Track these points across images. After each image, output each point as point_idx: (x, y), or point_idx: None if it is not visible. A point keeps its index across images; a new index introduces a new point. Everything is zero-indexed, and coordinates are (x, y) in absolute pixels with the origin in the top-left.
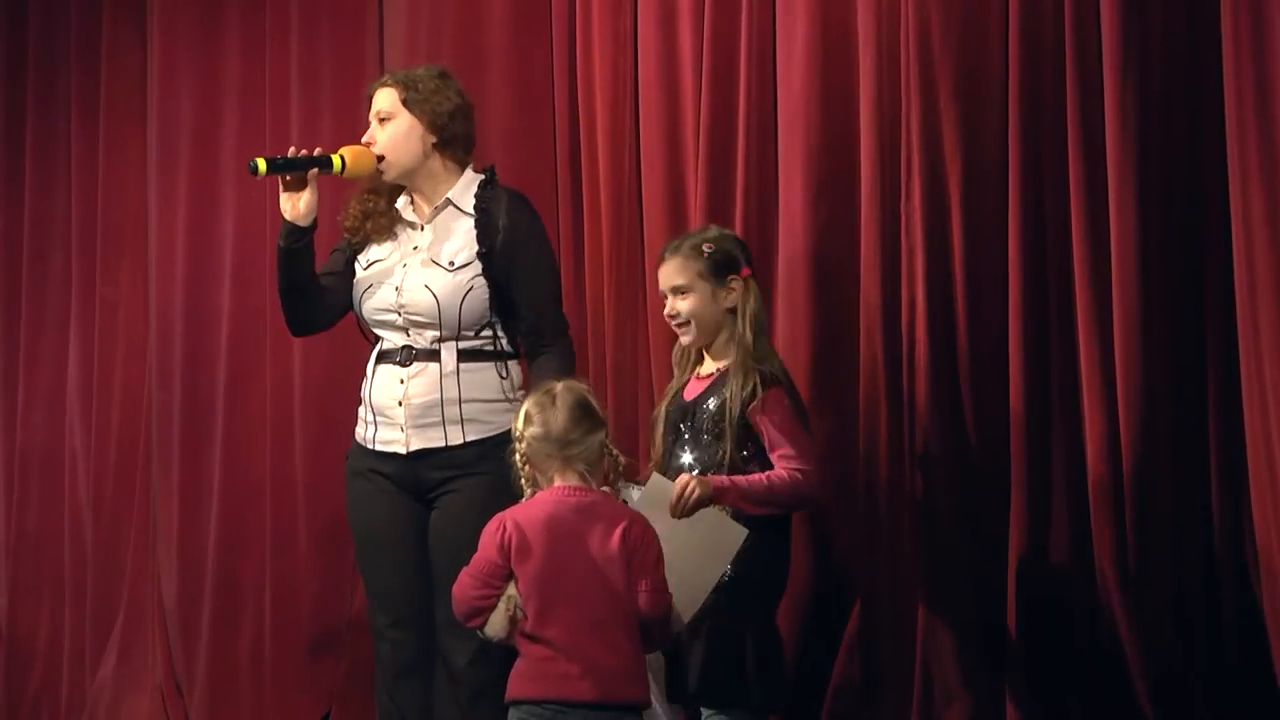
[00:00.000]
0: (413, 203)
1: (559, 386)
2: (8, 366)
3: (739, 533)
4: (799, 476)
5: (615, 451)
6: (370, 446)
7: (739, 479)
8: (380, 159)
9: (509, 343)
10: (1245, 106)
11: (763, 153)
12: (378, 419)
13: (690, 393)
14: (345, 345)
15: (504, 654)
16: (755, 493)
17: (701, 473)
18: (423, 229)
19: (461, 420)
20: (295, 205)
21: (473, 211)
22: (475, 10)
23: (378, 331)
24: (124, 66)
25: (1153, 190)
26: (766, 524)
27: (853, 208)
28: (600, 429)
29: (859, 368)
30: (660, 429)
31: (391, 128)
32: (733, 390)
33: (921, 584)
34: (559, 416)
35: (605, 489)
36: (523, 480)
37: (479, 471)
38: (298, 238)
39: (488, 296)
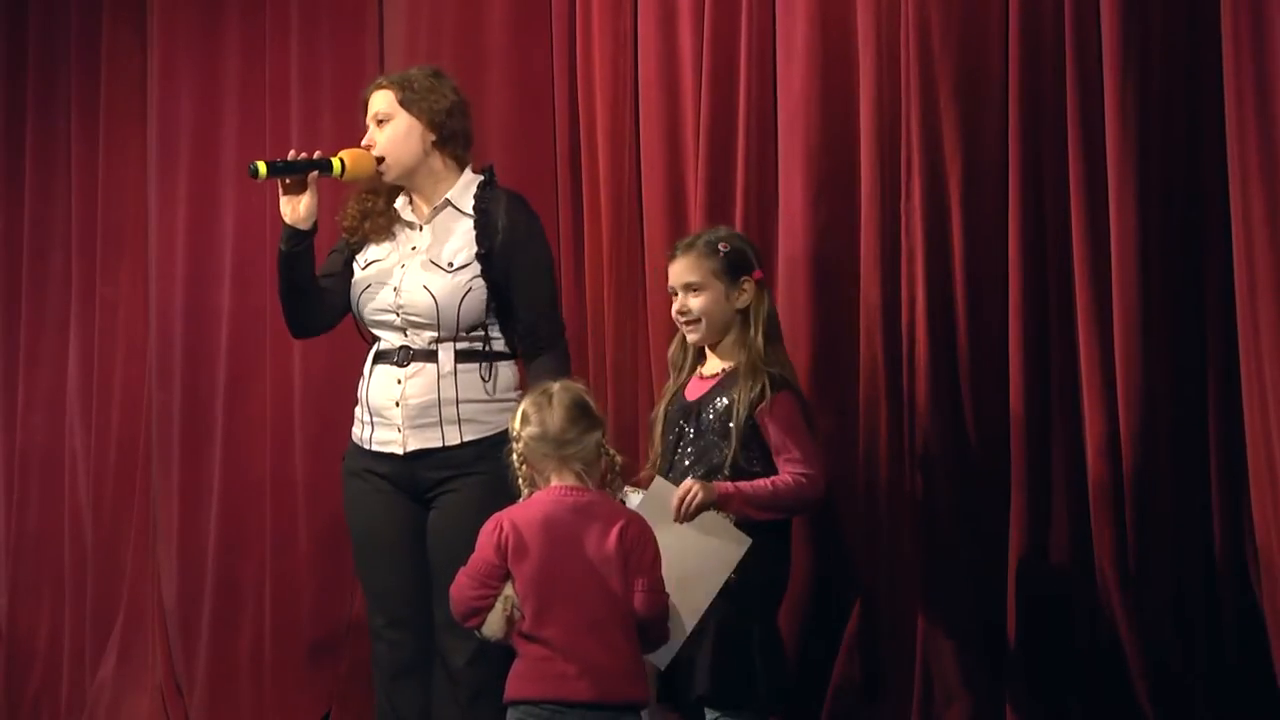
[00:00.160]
0: (411, 203)
1: (555, 386)
2: (8, 366)
3: (742, 541)
4: (803, 481)
5: (612, 451)
6: (367, 447)
7: (743, 485)
8: (380, 160)
9: (502, 344)
10: (1245, 106)
11: (762, 153)
12: (374, 419)
13: (693, 392)
14: (345, 345)
15: (503, 654)
16: (760, 498)
17: (705, 474)
18: (421, 229)
19: (459, 420)
20: (295, 209)
21: (472, 212)
22: (475, 10)
23: (375, 332)
24: (124, 67)
25: (1153, 190)
26: (768, 527)
27: (853, 208)
28: (597, 429)
29: (859, 368)
30: (660, 428)
31: (390, 129)
32: (741, 392)
33: (921, 584)
34: (555, 416)
35: (606, 490)
36: (520, 480)
37: (476, 471)
38: (298, 241)
39: (486, 297)
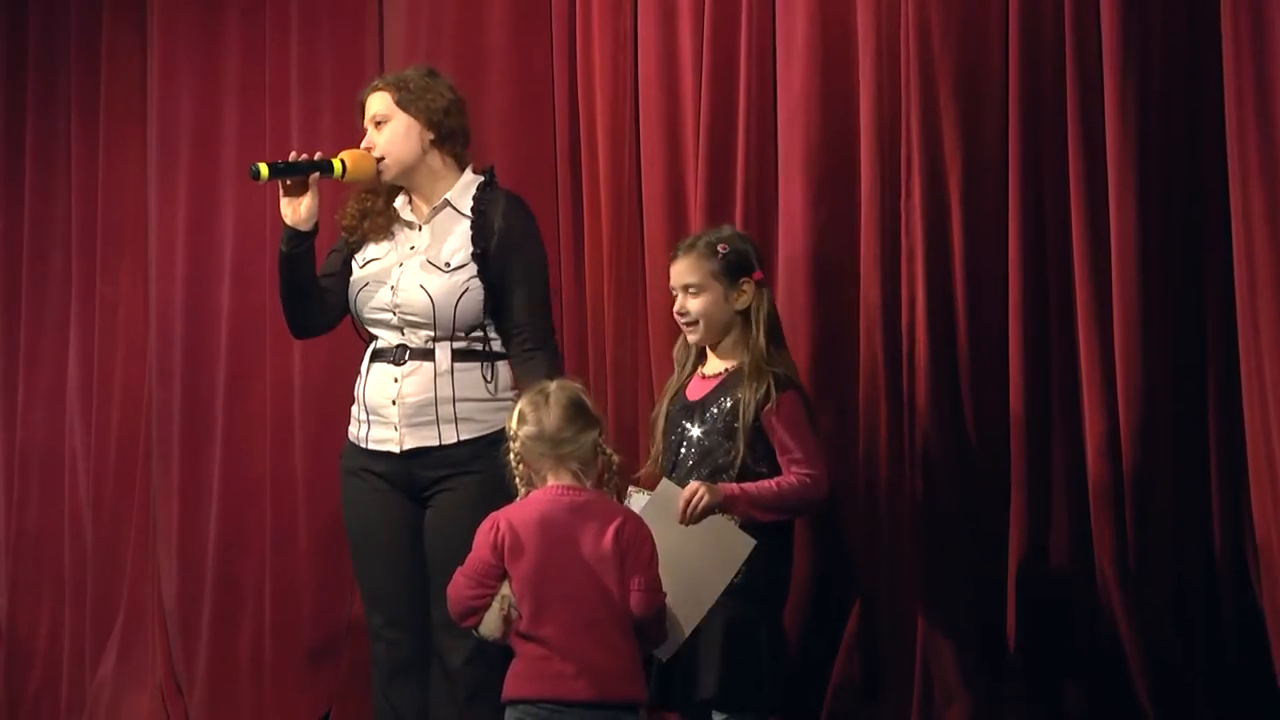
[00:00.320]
0: (411, 203)
1: (552, 385)
2: (8, 365)
3: (747, 543)
4: (807, 481)
5: (609, 450)
6: (364, 445)
7: (748, 486)
8: (380, 160)
9: (499, 344)
10: (1245, 106)
11: (762, 151)
12: (371, 418)
13: (694, 392)
14: (345, 345)
15: (500, 653)
16: (765, 500)
17: (709, 474)
18: (420, 229)
19: (455, 419)
20: (296, 210)
21: (470, 213)
22: (475, 10)
23: (372, 330)
24: (124, 67)
25: (1153, 189)
26: (772, 527)
27: (853, 206)
28: (594, 428)
29: (859, 367)
30: (661, 427)
31: (389, 129)
32: (746, 394)
33: (921, 583)
34: (552, 415)
35: (607, 491)
36: (517, 479)
37: (473, 470)
38: (299, 242)
39: (483, 298)
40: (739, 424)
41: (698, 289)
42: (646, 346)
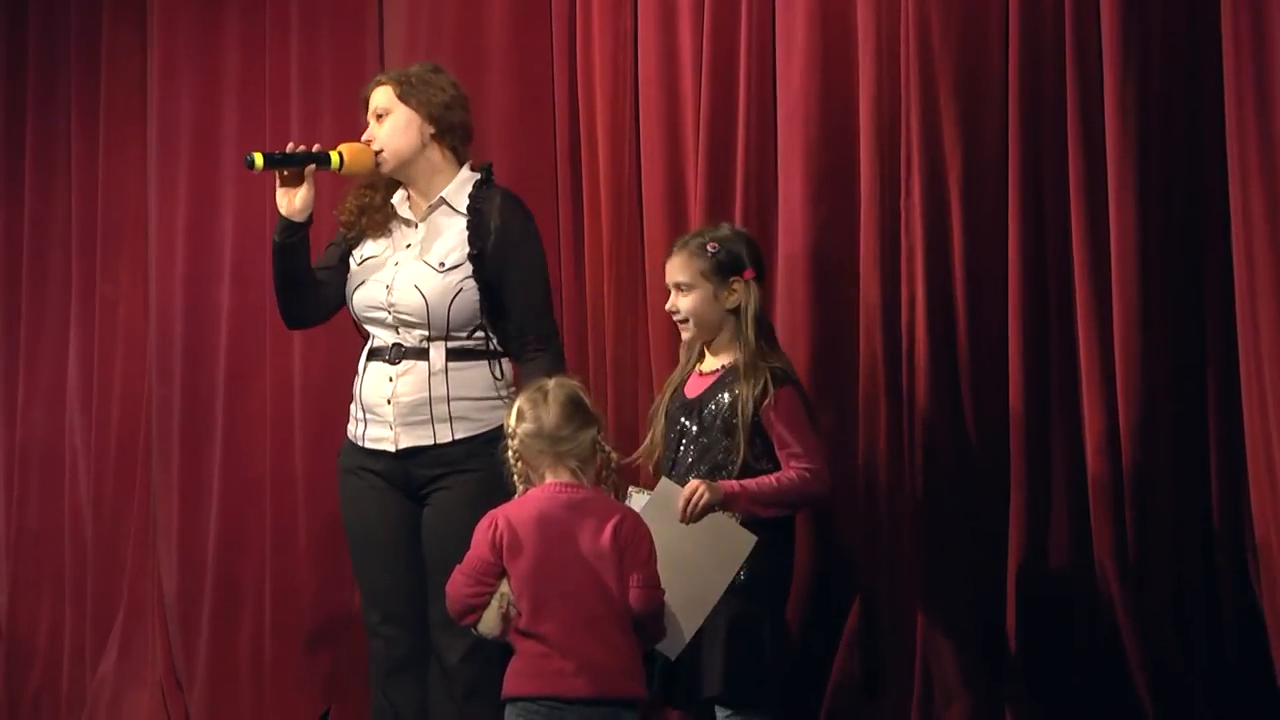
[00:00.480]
0: (409, 199)
1: (551, 383)
2: (8, 364)
3: (748, 540)
4: (807, 476)
5: (608, 448)
6: (361, 444)
7: (748, 483)
8: (379, 152)
9: (495, 342)
10: (1245, 106)
11: (762, 149)
12: (368, 416)
13: (692, 390)
14: (344, 343)
15: (498, 651)
16: (765, 496)
17: (709, 471)
18: (417, 226)
19: (450, 418)
20: (291, 201)
21: (466, 212)
22: (475, 9)
23: (368, 328)
24: (124, 66)
25: (1153, 189)
26: (774, 522)
27: (852, 204)
28: (592, 426)
29: (859, 365)
30: (661, 423)
31: (390, 121)
32: (744, 391)
33: (921, 582)
34: (551, 413)
35: (605, 489)
36: (515, 477)
37: (468, 469)
38: (292, 233)
39: (478, 298)
40: (737, 420)
41: (688, 287)
42: (646, 345)
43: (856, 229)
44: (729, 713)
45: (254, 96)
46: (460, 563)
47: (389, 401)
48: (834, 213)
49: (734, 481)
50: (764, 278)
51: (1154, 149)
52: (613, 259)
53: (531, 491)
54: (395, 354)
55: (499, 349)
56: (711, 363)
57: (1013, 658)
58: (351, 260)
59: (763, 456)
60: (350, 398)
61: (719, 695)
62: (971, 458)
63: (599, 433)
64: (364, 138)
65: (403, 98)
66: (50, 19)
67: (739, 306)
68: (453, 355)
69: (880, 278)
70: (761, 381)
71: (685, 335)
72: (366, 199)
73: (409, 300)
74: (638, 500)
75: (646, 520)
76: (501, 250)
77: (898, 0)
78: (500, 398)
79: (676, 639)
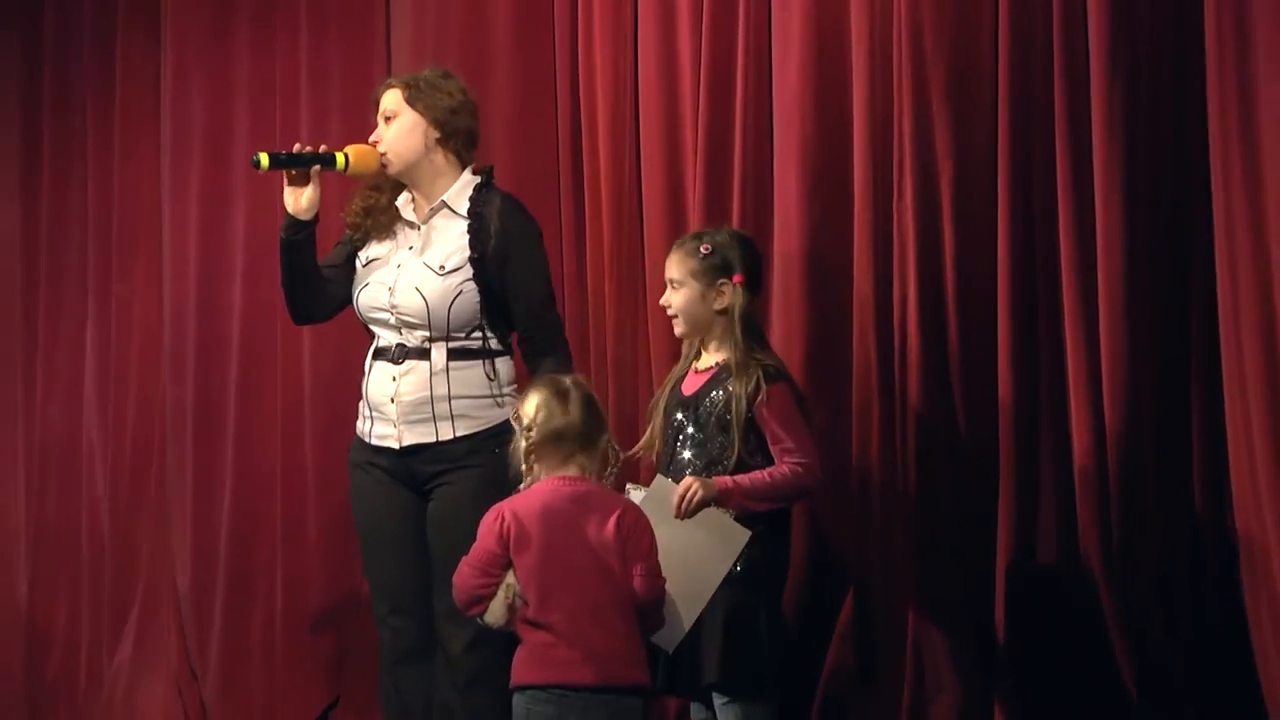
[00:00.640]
0: (414, 201)
1: (568, 381)
2: (26, 361)
3: (742, 534)
4: (799, 470)
5: (617, 447)
6: (368, 440)
7: (741, 479)
8: (384, 154)
9: (495, 342)
10: (1228, 107)
11: (759, 150)
12: (374, 414)
13: (688, 387)
14: (353, 341)
15: (500, 641)
16: (758, 491)
17: (705, 467)
18: (420, 229)
19: (451, 416)
20: (298, 200)
21: (466, 215)
22: (480, 13)
23: (373, 328)
24: (138, 69)
25: (1139, 190)
26: (768, 515)
27: (847, 204)
28: (606, 425)
29: (852, 362)
30: (659, 420)
31: (396, 124)
32: (737, 388)
33: (913, 575)
34: (575, 412)
35: (603, 481)
36: (523, 469)
37: (470, 465)
38: (298, 230)
39: (478, 300)
40: (731, 417)
41: (679, 284)
42: (647, 344)
43: (851, 228)
44: (726, 700)
45: (264, 98)
46: (466, 555)
47: (392, 400)
48: (828, 211)
49: (727, 477)
50: (759, 283)
51: (1141, 150)
52: (613, 258)
53: (535, 485)
54: (398, 354)
55: (496, 349)
56: (706, 360)
57: (1002, 649)
58: (357, 261)
59: (757, 452)
60: (359, 393)
61: (717, 683)
62: (962, 452)
63: (608, 431)
64: (371, 139)
65: (410, 101)
66: (66, 22)
67: (728, 308)
68: (453, 355)
69: (874, 276)
70: (754, 378)
71: (676, 331)
72: (372, 200)
73: (410, 302)
74: (634, 497)
75: None
76: (502, 253)
77: (891, 4)
78: (494, 396)
79: (674, 632)
